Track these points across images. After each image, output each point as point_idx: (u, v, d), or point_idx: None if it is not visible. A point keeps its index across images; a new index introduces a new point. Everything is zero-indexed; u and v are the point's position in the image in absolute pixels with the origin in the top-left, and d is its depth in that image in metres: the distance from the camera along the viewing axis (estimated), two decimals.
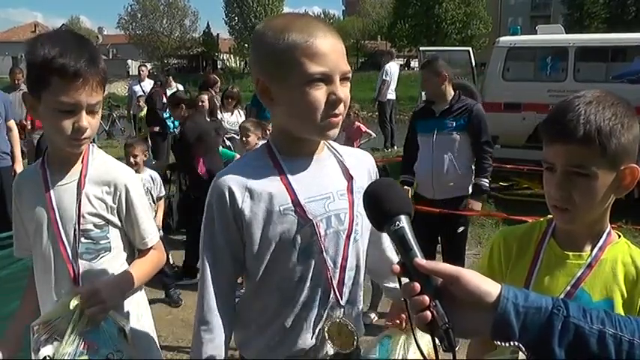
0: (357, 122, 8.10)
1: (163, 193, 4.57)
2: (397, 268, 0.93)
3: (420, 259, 0.91)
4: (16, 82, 7.37)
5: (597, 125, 1.12)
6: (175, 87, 9.25)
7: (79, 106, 1.47)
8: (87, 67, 1.45)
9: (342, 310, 1.34)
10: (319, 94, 1.20)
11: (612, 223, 1.28)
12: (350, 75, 1.26)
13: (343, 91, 1.23)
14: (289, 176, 1.28)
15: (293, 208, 1.26)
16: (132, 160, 4.33)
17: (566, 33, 8.99)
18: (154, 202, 4.46)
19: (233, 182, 1.27)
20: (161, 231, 4.53)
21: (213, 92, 7.04)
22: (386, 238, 1.54)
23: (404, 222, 0.96)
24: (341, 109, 1.23)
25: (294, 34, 1.20)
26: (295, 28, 1.21)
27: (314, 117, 1.22)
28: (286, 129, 1.30)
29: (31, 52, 1.46)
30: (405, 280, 0.93)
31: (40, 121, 1.56)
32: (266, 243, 1.28)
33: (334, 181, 1.33)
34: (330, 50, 1.20)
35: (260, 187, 1.27)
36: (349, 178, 1.34)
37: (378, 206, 1.00)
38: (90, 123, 1.51)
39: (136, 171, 4.34)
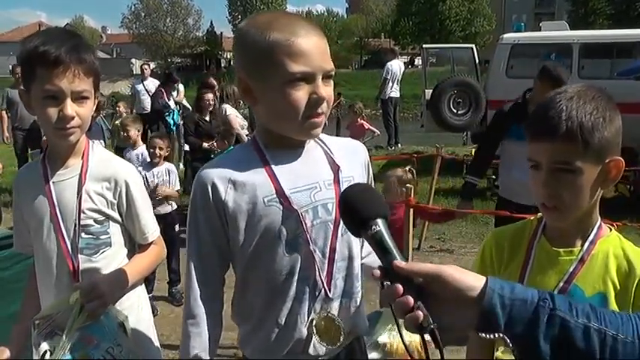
0: (360, 120, 8.10)
1: (178, 187, 4.55)
2: (377, 272, 0.91)
3: (398, 262, 0.89)
4: (18, 80, 7.44)
5: (579, 121, 1.12)
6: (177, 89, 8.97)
7: (62, 93, 1.46)
8: (67, 54, 1.45)
9: (334, 303, 1.32)
10: (300, 94, 1.20)
11: (617, 221, 1.27)
12: (333, 73, 1.25)
13: (325, 90, 1.22)
14: (274, 167, 1.28)
15: (277, 198, 1.25)
16: (157, 152, 4.39)
17: (571, 30, 8.94)
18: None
19: (216, 175, 1.27)
20: (177, 227, 4.56)
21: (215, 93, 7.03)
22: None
23: (380, 225, 0.94)
24: (323, 108, 1.23)
25: (275, 33, 1.19)
26: (277, 26, 1.20)
27: (295, 117, 1.21)
28: (269, 127, 1.30)
29: (21, 49, 1.49)
30: (387, 283, 0.91)
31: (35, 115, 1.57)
32: (251, 235, 1.27)
33: (320, 172, 1.32)
34: (311, 49, 1.19)
35: (244, 178, 1.26)
36: (336, 168, 1.33)
37: (353, 212, 0.97)
38: (77, 112, 1.50)
39: (155, 164, 4.44)
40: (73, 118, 1.49)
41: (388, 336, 1.66)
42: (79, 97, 1.50)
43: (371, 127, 8.22)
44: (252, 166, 1.28)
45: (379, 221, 0.94)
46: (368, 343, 1.68)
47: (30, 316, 1.64)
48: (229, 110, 6.34)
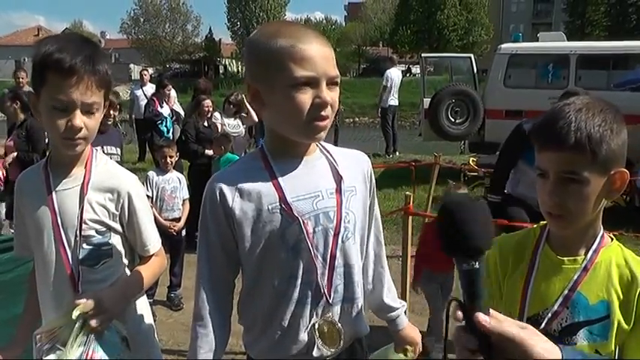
0: None
1: (187, 195, 4.59)
2: (460, 316, 0.89)
3: (483, 317, 0.86)
4: (20, 84, 7.46)
5: (588, 132, 1.15)
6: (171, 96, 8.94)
7: (72, 104, 1.44)
8: (82, 65, 1.42)
9: (335, 308, 1.36)
10: (304, 97, 1.24)
11: (613, 230, 1.29)
12: (338, 80, 1.29)
13: (330, 94, 1.26)
14: (279, 176, 1.32)
15: (280, 206, 1.30)
16: (169, 160, 4.43)
17: (568, 40, 9.02)
18: (182, 203, 4.51)
19: (224, 183, 1.32)
20: (184, 232, 4.60)
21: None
22: (371, 250, 1.54)
23: (482, 262, 0.89)
24: (327, 111, 1.27)
25: (281, 40, 1.24)
26: (283, 34, 1.26)
27: (299, 119, 1.25)
28: (276, 131, 1.34)
29: (35, 51, 1.47)
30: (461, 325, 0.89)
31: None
32: (257, 241, 1.32)
33: (324, 181, 1.36)
34: (316, 55, 1.24)
35: (250, 187, 1.31)
36: (339, 178, 1.37)
37: (468, 237, 0.89)
38: (85, 124, 1.47)
39: (166, 171, 4.48)
40: (80, 129, 1.46)
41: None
42: (88, 109, 1.48)
43: None
44: (258, 175, 1.33)
45: (483, 258, 0.90)
46: None
47: (31, 322, 1.65)
48: (217, 116, 6.43)
